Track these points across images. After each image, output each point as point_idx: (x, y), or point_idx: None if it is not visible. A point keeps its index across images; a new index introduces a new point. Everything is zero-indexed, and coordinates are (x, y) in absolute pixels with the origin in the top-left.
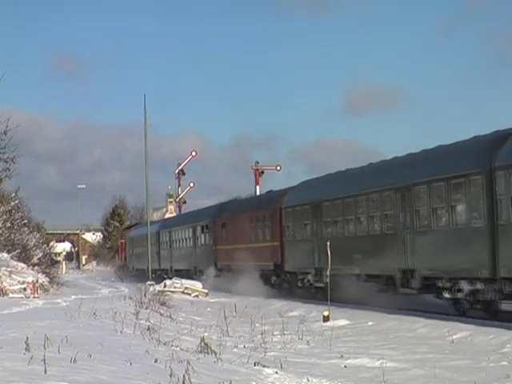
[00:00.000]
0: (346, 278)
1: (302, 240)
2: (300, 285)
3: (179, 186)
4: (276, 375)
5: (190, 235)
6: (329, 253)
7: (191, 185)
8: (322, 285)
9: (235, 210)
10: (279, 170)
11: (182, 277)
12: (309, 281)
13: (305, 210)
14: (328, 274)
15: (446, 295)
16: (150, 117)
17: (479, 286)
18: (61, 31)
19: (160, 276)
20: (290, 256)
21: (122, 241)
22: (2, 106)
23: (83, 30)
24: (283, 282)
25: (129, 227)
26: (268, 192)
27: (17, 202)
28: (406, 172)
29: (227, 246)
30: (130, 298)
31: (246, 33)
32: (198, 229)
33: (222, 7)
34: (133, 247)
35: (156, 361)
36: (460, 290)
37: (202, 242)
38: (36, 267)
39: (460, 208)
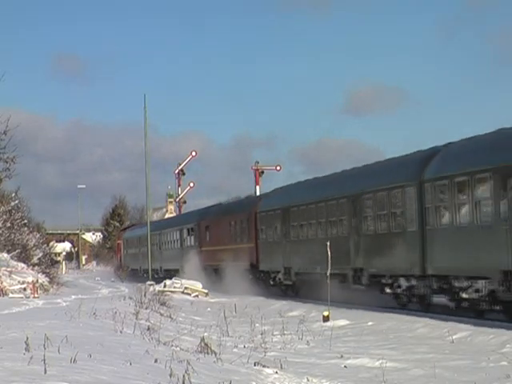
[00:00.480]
0: (312, 276)
1: (274, 242)
2: (272, 283)
3: (179, 186)
4: (276, 375)
5: (178, 237)
6: (329, 253)
7: (191, 185)
8: (290, 282)
9: (217, 214)
10: (279, 170)
11: (171, 276)
12: (280, 279)
13: (276, 214)
14: (328, 274)
15: (388, 290)
16: (151, 117)
17: (414, 282)
18: (62, 31)
19: (151, 275)
20: (263, 256)
21: (119, 241)
22: (3, 106)
23: (84, 30)
24: (259, 280)
25: (124, 229)
26: (246, 197)
27: (17, 202)
28: (356, 183)
29: (210, 248)
30: (130, 298)
31: (247, 32)
32: (185, 231)
33: (223, 7)
34: (127, 248)
35: (156, 361)
36: (399, 286)
37: (189, 243)
38: (36, 267)
39: (398, 215)
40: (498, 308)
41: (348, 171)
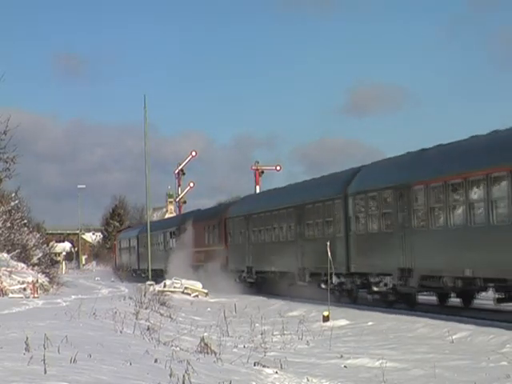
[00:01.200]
0: (269, 274)
1: (239, 244)
2: (238, 280)
3: (179, 186)
4: (276, 375)
5: (162, 240)
6: (329, 253)
7: (191, 185)
8: (252, 280)
9: (195, 219)
10: (279, 170)
11: (157, 276)
12: (244, 277)
13: (241, 220)
14: (329, 274)
15: (323, 286)
16: (151, 117)
17: (343, 279)
18: (62, 31)
19: (139, 275)
20: (231, 257)
21: (115, 242)
22: (3, 106)
23: (85, 30)
24: (229, 278)
25: (120, 230)
26: (219, 204)
27: (17, 202)
28: (300, 194)
29: (191, 249)
30: (130, 298)
31: (248, 32)
32: (168, 234)
33: (223, 6)
34: (120, 249)
35: (156, 361)
36: (332, 282)
37: (171, 245)
38: (36, 267)
39: (331, 223)
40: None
41: (295, 185)
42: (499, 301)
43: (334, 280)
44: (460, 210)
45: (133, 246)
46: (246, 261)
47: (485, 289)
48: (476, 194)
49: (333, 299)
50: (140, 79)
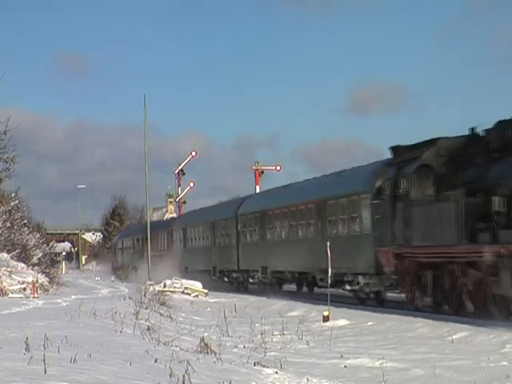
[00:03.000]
0: (227, 272)
1: (199, 249)
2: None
3: (179, 186)
4: (276, 375)
5: (131, 244)
6: (329, 253)
7: (191, 185)
8: (216, 278)
9: (153, 229)
10: (279, 170)
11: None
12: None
13: (201, 228)
14: (330, 273)
15: (227, 279)
16: (152, 116)
17: (258, 274)
18: (63, 30)
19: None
20: (189, 260)
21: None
22: (3, 106)
23: (86, 30)
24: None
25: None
26: (170, 218)
27: (17, 202)
28: (263, 203)
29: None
30: (130, 298)
31: (248, 32)
32: (135, 240)
33: (224, 6)
34: (115, 250)
35: (156, 361)
36: (253, 277)
37: (137, 249)
38: (36, 267)
39: (230, 235)
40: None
41: (209, 207)
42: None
43: (255, 274)
44: (285, 229)
45: (119, 247)
46: (211, 261)
47: (297, 280)
48: (295, 218)
49: (232, 288)
50: (141, 78)
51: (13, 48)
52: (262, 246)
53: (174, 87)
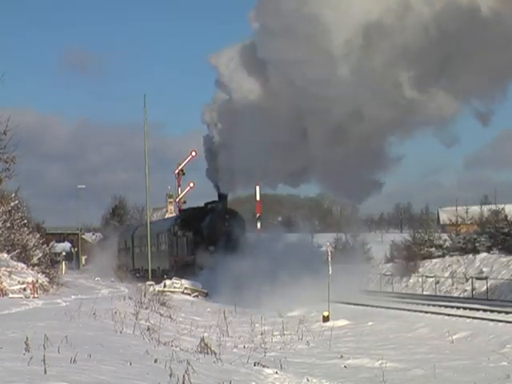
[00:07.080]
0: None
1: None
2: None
3: (179, 186)
4: (276, 375)
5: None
6: (329, 255)
7: (191, 185)
8: (138, 275)
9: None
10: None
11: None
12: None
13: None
14: (329, 273)
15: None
16: (157, 116)
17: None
18: (71, 29)
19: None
20: (137, 260)
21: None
22: (9, 106)
23: (93, 30)
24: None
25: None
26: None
27: (16, 202)
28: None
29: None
30: (130, 298)
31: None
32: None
33: (224, 5)
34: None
35: (156, 361)
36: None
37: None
38: (36, 267)
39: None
40: None
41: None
42: None
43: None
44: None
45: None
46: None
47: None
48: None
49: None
50: (145, 79)
51: (20, 49)
52: (137, 254)
53: (179, 87)
